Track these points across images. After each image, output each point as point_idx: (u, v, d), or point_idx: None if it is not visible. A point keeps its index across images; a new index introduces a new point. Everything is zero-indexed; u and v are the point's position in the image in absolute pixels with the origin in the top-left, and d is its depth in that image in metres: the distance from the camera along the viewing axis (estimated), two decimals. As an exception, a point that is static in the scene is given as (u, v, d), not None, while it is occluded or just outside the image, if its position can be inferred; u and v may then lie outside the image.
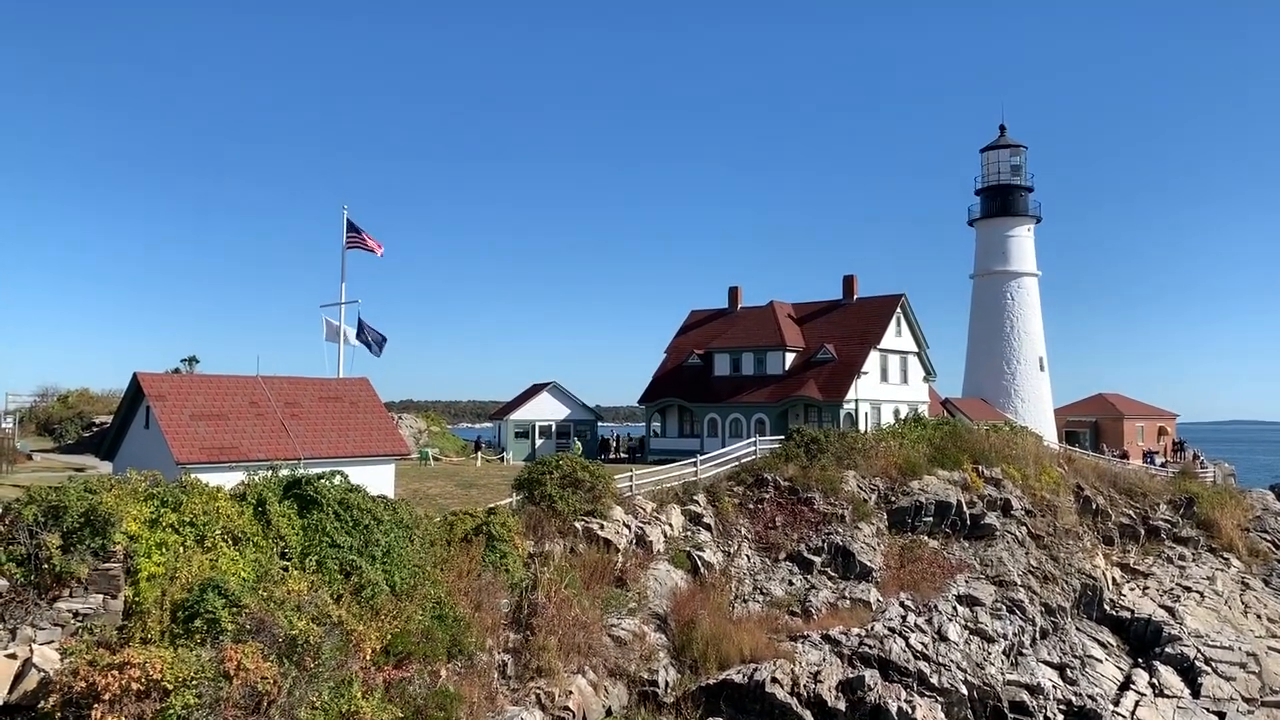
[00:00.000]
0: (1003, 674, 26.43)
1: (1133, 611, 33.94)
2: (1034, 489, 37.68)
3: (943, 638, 26.27)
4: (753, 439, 38.58)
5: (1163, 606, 34.58)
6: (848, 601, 27.56)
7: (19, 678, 13.67)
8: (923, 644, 25.24)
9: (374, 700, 14.96)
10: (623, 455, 57.37)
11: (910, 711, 22.09)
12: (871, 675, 22.91)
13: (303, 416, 26.56)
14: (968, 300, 65.08)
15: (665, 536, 27.77)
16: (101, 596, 15.41)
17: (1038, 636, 29.46)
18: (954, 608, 28.19)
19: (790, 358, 51.42)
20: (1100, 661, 30.21)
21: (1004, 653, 27.42)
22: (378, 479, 25.65)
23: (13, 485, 26.55)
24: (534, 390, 56.93)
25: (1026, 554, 33.54)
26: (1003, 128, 64.45)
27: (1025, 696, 25.64)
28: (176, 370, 46.57)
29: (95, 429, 45.39)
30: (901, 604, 27.43)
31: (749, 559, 29.02)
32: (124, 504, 16.31)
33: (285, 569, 17.29)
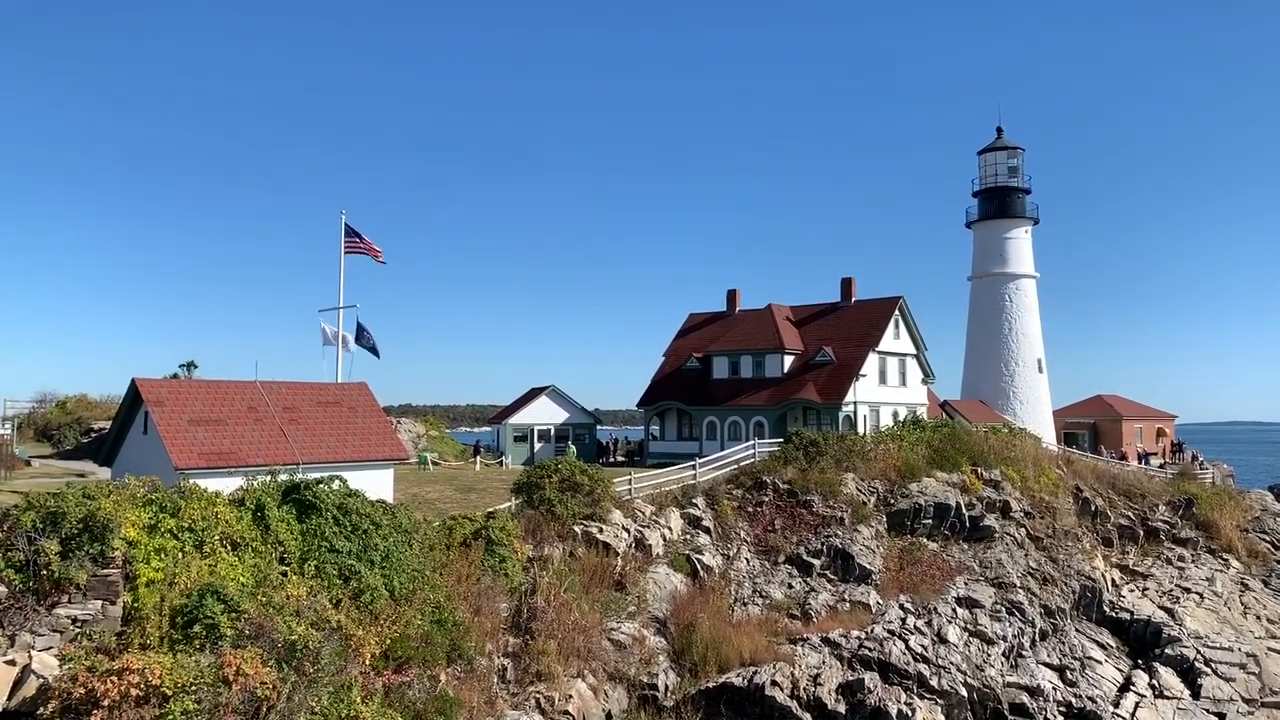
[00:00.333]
0: (1002, 676, 26.43)
1: (1132, 613, 33.93)
2: (1033, 491, 37.69)
3: (942, 640, 26.27)
4: (751, 442, 38.58)
5: (1162, 608, 34.57)
6: (847, 604, 27.56)
7: (18, 684, 13.67)
8: (922, 646, 25.24)
9: (373, 705, 14.96)
10: (620, 459, 57.37)
11: (910, 714, 22.09)
12: (871, 678, 22.91)
13: (301, 421, 26.55)
14: (966, 302, 65.14)
15: (664, 540, 27.77)
16: (100, 602, 15.41)
17: (1037, 638, 29.45)
18: (953, 610, 28.19)
19: (789, 360, 51.42)
20: (1100, 663, 30.20)
21: (1004, 655, 27.42)
22: (376, 484, 25.64)
23: (11, 491, 26.53)
24: (533, 394, 56.92)
25: (1026, 556, 33.54)
26: (1000, 130, 64.50)
27: (1025, 698, 25.64)
28: (175, 376, 46.55)
29: (94, 435, 45.36)
30: (901, 606, 27.43)
31: (748, 562, 29.01)
32: (123, 510, 16.32)
33: (284, 574, 17.31)
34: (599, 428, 60.83)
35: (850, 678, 22.93)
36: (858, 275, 55.56)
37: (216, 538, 17.04)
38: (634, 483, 30.67)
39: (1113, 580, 36.36)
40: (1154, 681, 29.24)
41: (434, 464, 48.68)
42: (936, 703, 23.31)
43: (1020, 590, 30.68)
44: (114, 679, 12.65)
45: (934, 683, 23.74)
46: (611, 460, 56.44)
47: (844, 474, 33.65)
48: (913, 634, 25.73)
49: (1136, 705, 27.74)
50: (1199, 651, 30.87)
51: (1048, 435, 57.27)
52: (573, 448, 51.48)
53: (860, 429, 46.43)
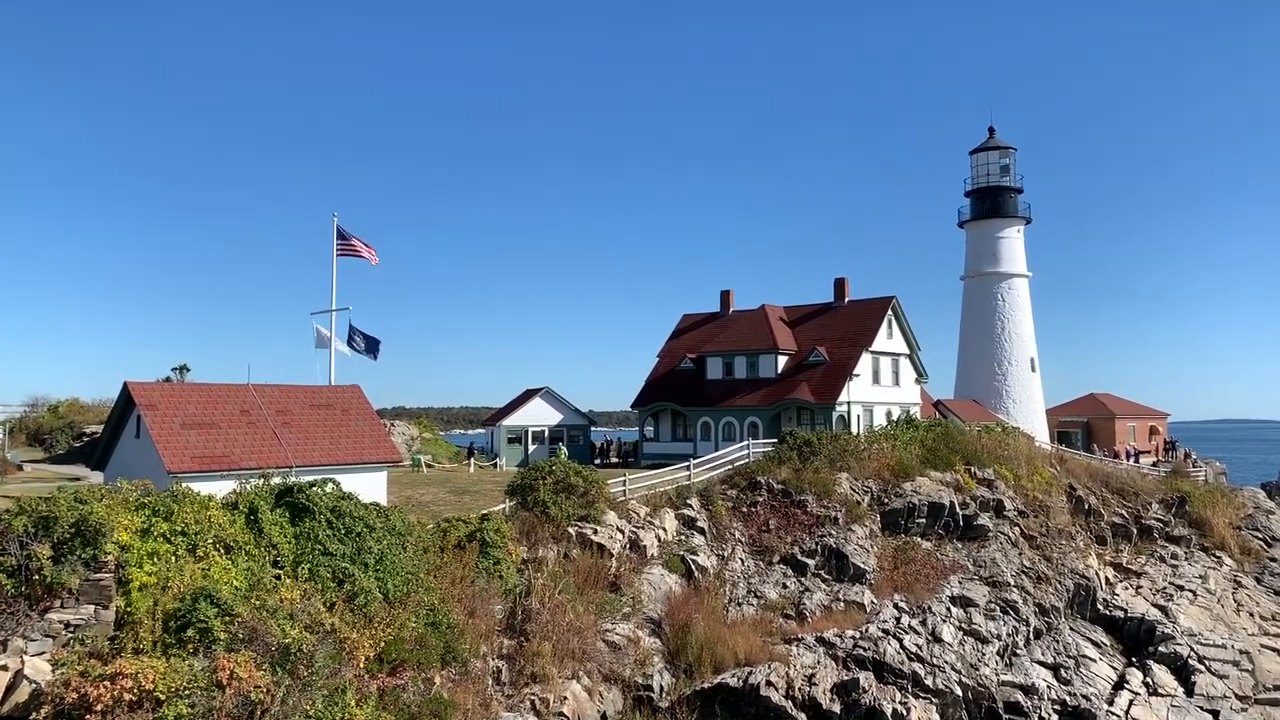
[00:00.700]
0: (997, 675, 26.47)
1: (1126, 611, 34.02)
2: (1026, 489, 37.77)
3: (937, 639, 26.30)
4: (746, 442, 38.61)
5: (1156, 605, 34.67)
6: (842, 604, 27.59)
7: (10, 689, 13.62)
8: (917, 645, 25.27)
9: (368, 708, 14.92)
10: (615, 460, 57.36)
11: (905, 713, 22.10)
12: (866, 677, 22.92)
13: (294, 424, 26.50)
14: (959, 302, 65.27)
15: (659, 541, 27.77)
16: (93, 607, 15.36)
17: (1031, 637, 29.51)
18: (948, 609, 28.23)
19: (782, 361, 51.47)
20: (1094, 661, 30.27)
21: (998, 653, 27.46)
22: (370, 486, 25.58)
23: (3, 496, 26.44)
24: (527, 396, 56.90)
25: (1020, 554, 33.61)
26: (992, 129, 64.69)
27: (1020, 697, 25.68)
28: (167, 379, 46.44)
29: (86, 439, 45.25)
30: (895, 606, 27.46)
31: (743, 562, 29.02)
32: (115, 514, 16.26)
33: (278, 577, 17.27)
34: (593, 429, 60.81)
35: (845, 677, 22.95)
36: (851, 275, 55.91)
37: (209, 541, 16.99)
38: (628, 484, 30.68)
39: (1106, 578, 36.46)
40: (1148, 679, 29.32)
41: (428, 466, 48.60)
42: (931, 702, 23.33)
43: (1014, 589, 30.74)
44: (107, 684, 12.60)
45: (929, 682, 23.76)
46: (606, 461, 56.44)
47: (838, 474, 33.68)
48: (907, 633, 25.76)
49: (1131, 703, 27.82)
50: (1192, 649, 30.96)
51: (1041, 434, 57.40)
52: (564, 449, 51.47)
53: (854, 429, 46.50)
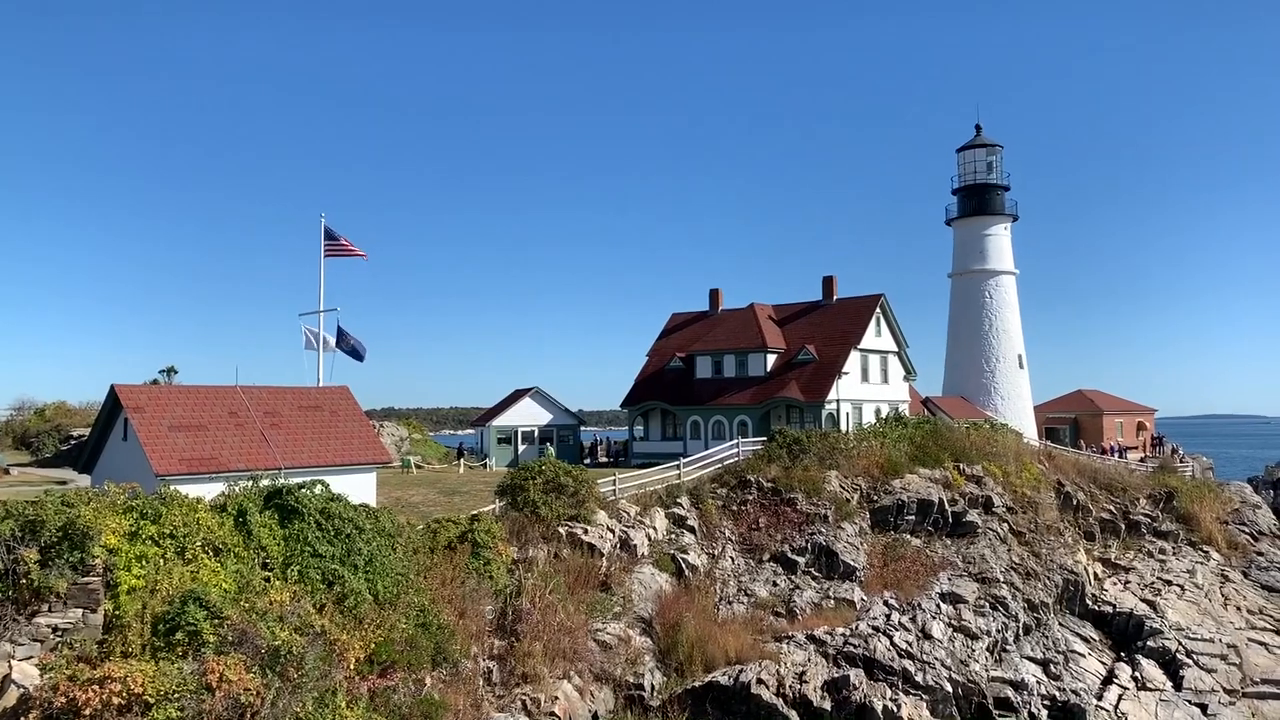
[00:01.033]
0: (987, 670, 26.56)
1: (1114, 606, 34.18)
2: (1015, 486, 37.89)
3: (927, 636, 26.39)
4: (735, 441, 38.66)
5: (1144, 600, 34.83)
6: (832, 601, 27.65)
7: (-2, 694, 13.54)
8: (907, 642, 25.34)
9: (358, 710, 14.90)
10: (605, 459, 57.35)
11: (896, 710, 22.16)
12: (856, 674, 22.98)
13: (283, 426, 26.41)
14: (947, 299, 65.45)
15: (649, 540, 27.78)
16: (81, 611, 15.28)
17: (1021, 633, 29.63)
18: (937, 605, 28.32)
19: (772, 359, 51.53)
20: (1083, 656, 30.41)
21: (988, 649, 27.57)
22: (359, 488, 25.53)
23: (-11, 500, 26.26)
24: (516, 396, 56.83)
25: (1009, 551, 33.72)
26: (978, 127, 64.84)
27: (1009, 692, 25.79)
28: (155, 381, 46.24)
29: (73, 442, 44.98)
30: (885, 603, 27.54)
31: (733, 561, 29.06)
32: (103, 517, 16.19)
33: (267, 580, 17.21)
34: (583, 429, 60.78)
35: (835, 675, 23.00)
36: (839, 273, 55.90)
37: (198, 544, 16.93)
38: (618, 483, 30.68)
39: (1095, 574, 36.61)
40: (1136, 674, 29.47)
41: (417, 467, 48.51)
42: (922, 698, 23.40)
43: (1003, 585, 30.84)
44: (95, 688, 12.54)
45: (919, 678, 23.84)
46: (596, 461, 56.43)
47: (827, 472, 33.75)
48: (897, 630, 25.83)
49: (1120, 697, 27.95)
50: (1180, 643, 31.13)
51: (1029, 431, 57.60)
52: (550, 449, 51.43)
53: (843, 427, 46.60)
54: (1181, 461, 59.57)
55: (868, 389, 51.65)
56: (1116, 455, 57.79)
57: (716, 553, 29.07)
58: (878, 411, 50.92)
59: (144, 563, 16.15)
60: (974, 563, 31.90)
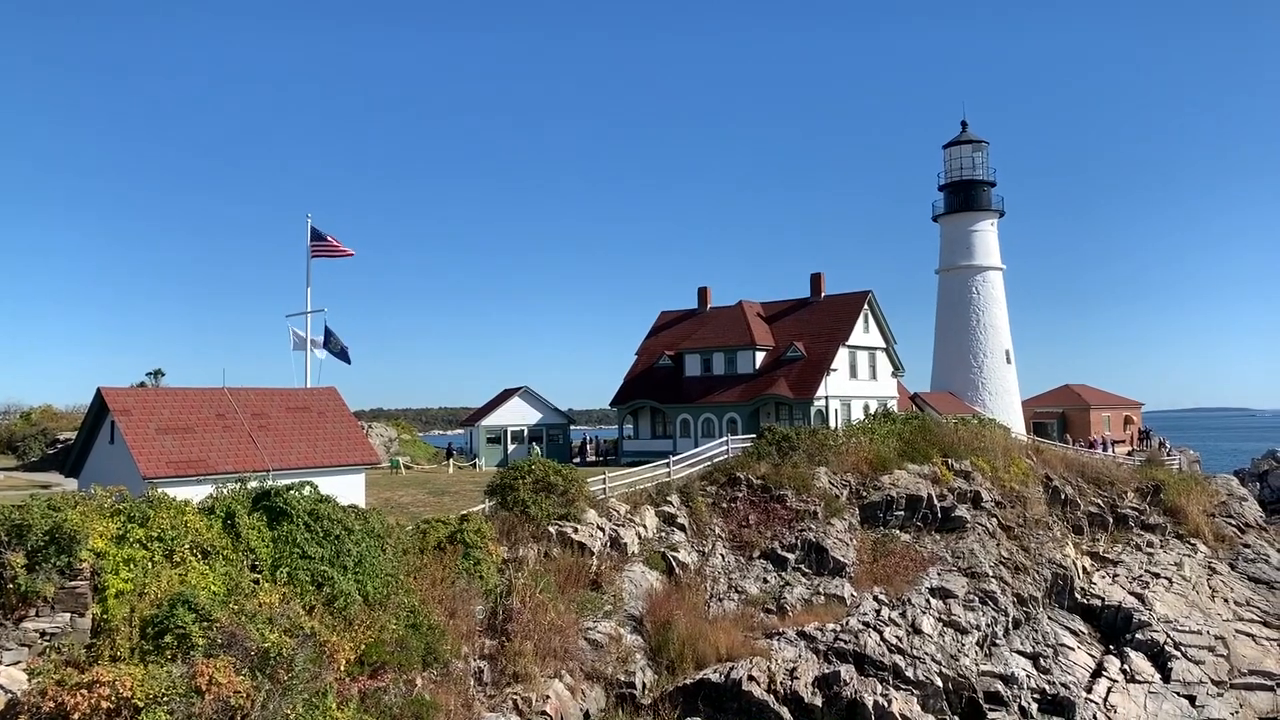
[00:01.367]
0: (977, 665, 26.68)
1: (1103, 599, 34.35)
2: (1003, 480, 38.05)
3: (917, 631, 26.48)
4: (725, 438, 38.73)
5: (1132, 593, 35.02)
6: (822, 597, 27.71)
7: (-15, 700, 13.46)
8: (897, 637, 25.42)
9: (349, 711, 14.88)
10: (595, 458, 57.36)
11: (886, 705, 22.23)
12: (847, 670, 23.03)
13: (270, 428, 26.33)
14: (934, 296, 65.71)
15: (639, 538, 27.79)
16: (69, 615, 15.20)
17: (1010, 627, 29.76)
18: (927, 600, 28.42)
19: (760, 357, 51.64)
20: (1072, 649, 30.55)
21: (977, 644, 27.68)
22: (348, 489, 25.47)
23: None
24: (505, 395, 56.81)
25: (997, 545, 33.86)
26: (964, 124, 65.10)
27: (999, 686, 25.90)
28: (141, 384, 46.04)
29: (59, 445, 44.75)
30: (875, 598, 27.63)
31: (723, 558, 29.10)
32: (90, 521, 16.10)
33: (256, 582, 17.16)
34: (573, 428, 60.79)
35: (826, 671, 23.06)
36: (827, 270, 56.01)
37: (186, 547, 16.86)
38: (608, 482, 30.68)
39: (1083, 567, 36.78)
40: (1125, 666, 29.62)
41: (406, 468, 48.44)
42: (912, 693, 23.47)
43: (993, 579, 30.97)
44: (84, 692, 12.49)
45: (909, 673, 23.91)
46: (585, 460, 56.44)
47: (816, 468, 33.82)
48: (887, 625, 25.91)
49: (1109, 690, 28.10)
50: (1169, 635, 31.30)
51: (1017, 425, 57.89)
52: (537, 448, 51.42)
53: (832, 423, 46.74)
54: (1169, 455, 59.93)
55: (856, 385, 51.81)
56: (1104, 449, 58.09)
57: (707, 550, 29.10)
58: (866, 408, 51.08)
59: (132, 566, 16.07)
60: (963, 557, 32.02)
